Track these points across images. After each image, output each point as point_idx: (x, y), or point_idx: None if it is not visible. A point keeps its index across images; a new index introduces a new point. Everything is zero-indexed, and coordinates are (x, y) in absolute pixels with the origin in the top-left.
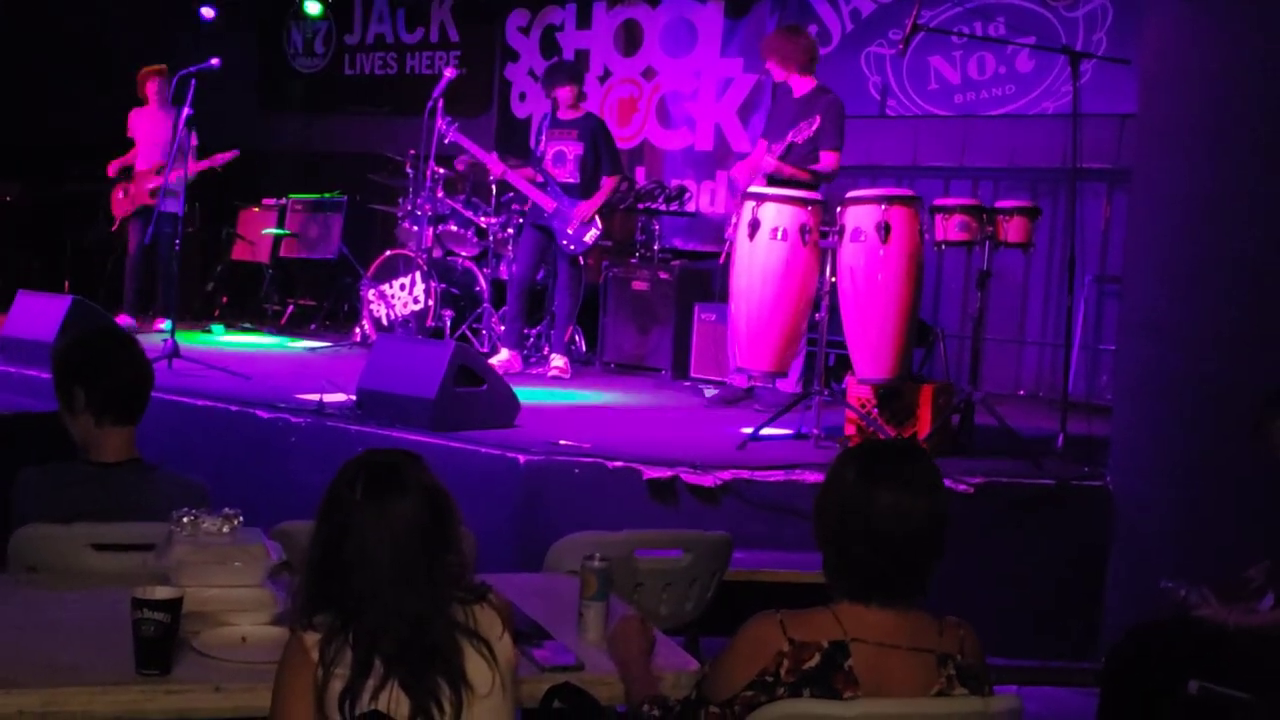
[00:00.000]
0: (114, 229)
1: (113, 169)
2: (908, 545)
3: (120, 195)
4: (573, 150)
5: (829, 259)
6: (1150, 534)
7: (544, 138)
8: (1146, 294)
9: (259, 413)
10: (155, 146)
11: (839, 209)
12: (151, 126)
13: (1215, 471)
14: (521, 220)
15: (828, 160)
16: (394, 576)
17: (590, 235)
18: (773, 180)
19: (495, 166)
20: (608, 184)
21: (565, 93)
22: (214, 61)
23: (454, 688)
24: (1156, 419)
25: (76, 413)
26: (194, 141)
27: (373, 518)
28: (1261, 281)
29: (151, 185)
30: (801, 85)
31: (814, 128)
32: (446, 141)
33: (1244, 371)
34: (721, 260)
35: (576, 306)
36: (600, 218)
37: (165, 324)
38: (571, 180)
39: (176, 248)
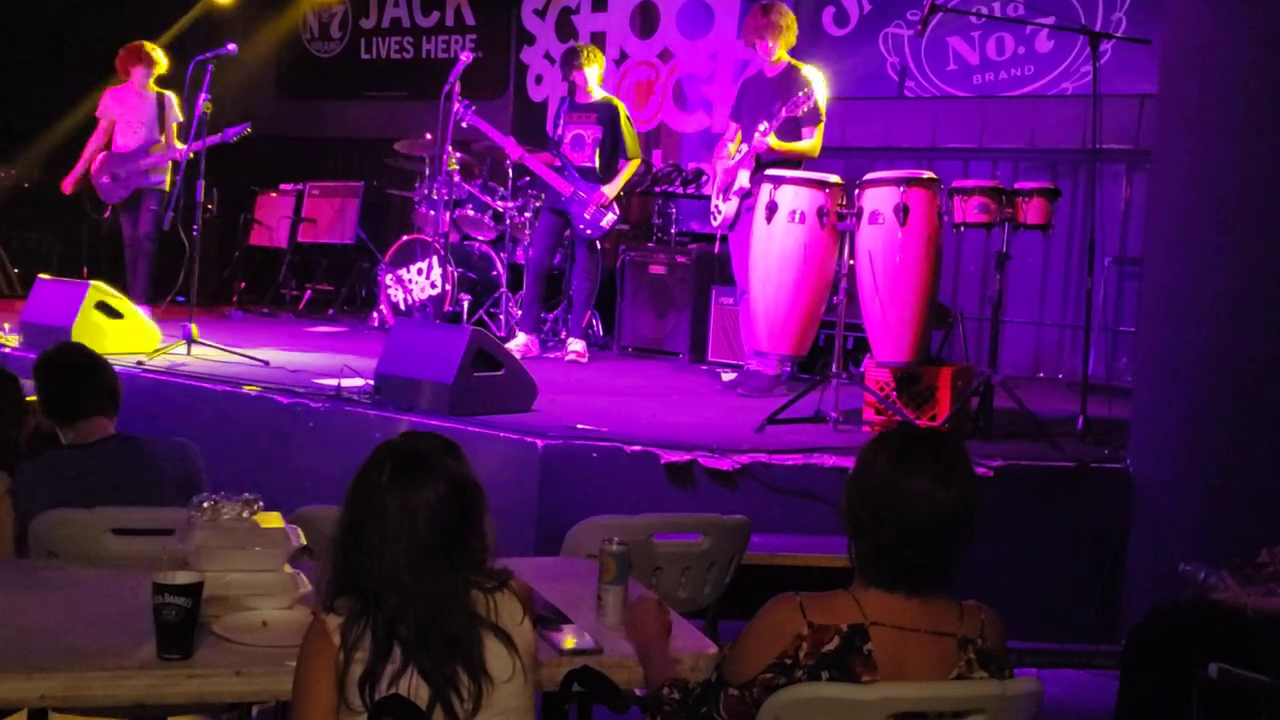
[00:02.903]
0: (107, 215)
1: (96, 160)
2: (940, 536)
3: (107, 180)
4: (591, 134)
5: (847, 242)
6: (1170, 516)
7: (562, 121)
8: (1167, 276)
9: (277, 398)
10: (133, 126)
11: (857, 191)
12: (129, 106)
13: (1234, 454)
14: (539, 204)
15: (810, 135)
16: (414, 563)
17: (607, 220)
18: (760, 162)
19: (514, 150)
20: (623, 169)
21: (580, 77)
22: (230, 46)
23: (474, 678)
24: (1176, 401)
25: (50, 419)
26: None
27: (396, 503)
28: (1279, 261)
29: (146, 164)
30: (778, 64)
31: (810, 101)
32: (464, 125)
33: (1263, 353)
34: (717, 249)
35: (594, 291)
36: (617, 202)
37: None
38: (589, 164)
39: (165, 226)
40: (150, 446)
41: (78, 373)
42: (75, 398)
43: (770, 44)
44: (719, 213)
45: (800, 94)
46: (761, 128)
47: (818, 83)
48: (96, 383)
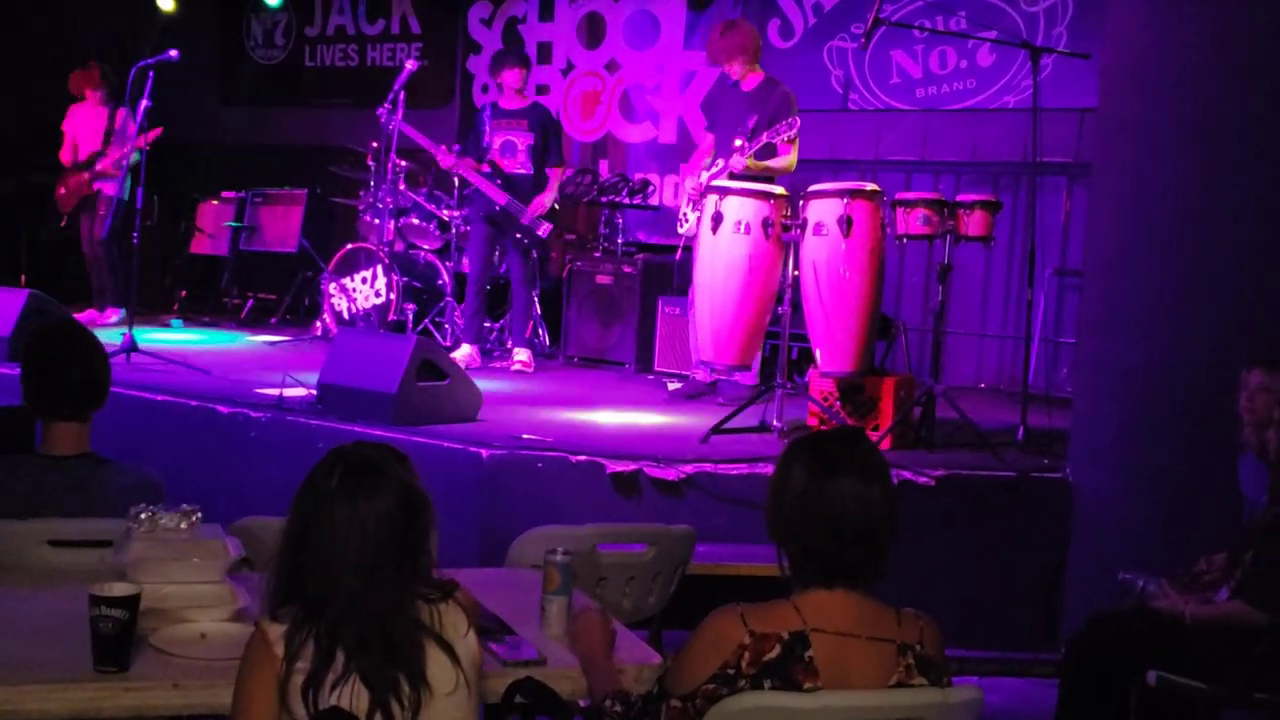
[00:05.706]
0: (63, 224)
1: (67, 157)
2: (870, 531)
3: (62, 191)
4: (523, 140)
5: (791, 252)
6: (1109, 525)
7: (488, 128)
8: (1105, 287)
9: (218, 407)
10: (89, 140)
11: (801, 202)
12: (85, 122)
13: (1172, 463)
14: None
15: (786, 151)
16: (359, 571)
17: (543, 229)
18: (735, 177)
19: (444, 159)
20: (555, 176)
21: (512, 76)
22: (172, 53)
23: (414, 686)
24: (1115, 411)
25: (29, 406)
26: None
27: (344, 509)
28: (1216, 274)
29: (90, 174)
30: (751, 79)
31: (794, 129)
32: (390, 130)
33: (1200, 363)
34: (678, 256)
35: (533, 299)
36: (551, 210)
37: (116, 315)
38: (523, 171)
39: (124, 231)
40: (116, 476)
41: (89, 367)
42: (77, 394)
43: (737, 62)
44: (686, 220)
45: (785, 120)
46: (738, 144)
47: (791, 100)
48: (98, 381)
